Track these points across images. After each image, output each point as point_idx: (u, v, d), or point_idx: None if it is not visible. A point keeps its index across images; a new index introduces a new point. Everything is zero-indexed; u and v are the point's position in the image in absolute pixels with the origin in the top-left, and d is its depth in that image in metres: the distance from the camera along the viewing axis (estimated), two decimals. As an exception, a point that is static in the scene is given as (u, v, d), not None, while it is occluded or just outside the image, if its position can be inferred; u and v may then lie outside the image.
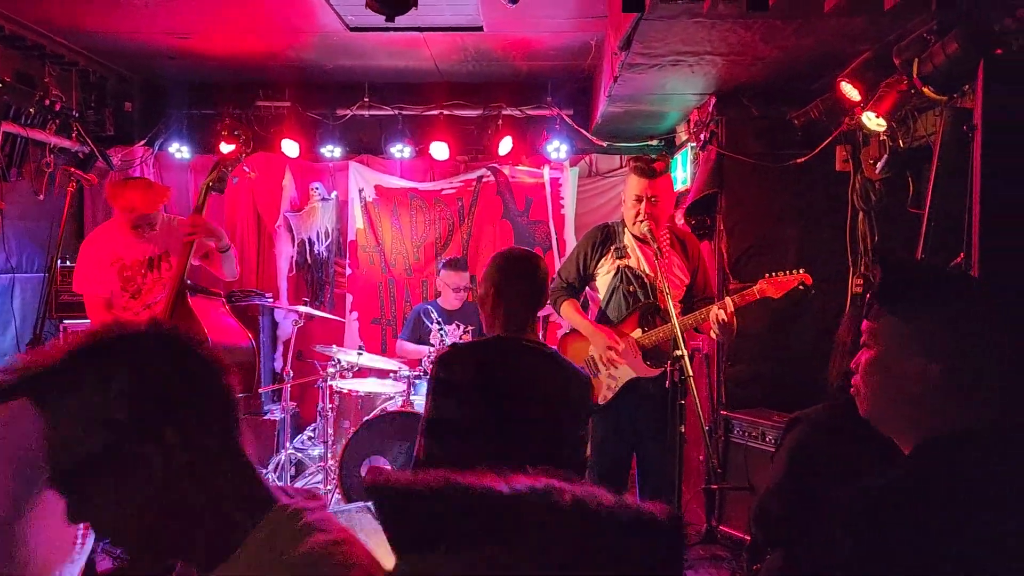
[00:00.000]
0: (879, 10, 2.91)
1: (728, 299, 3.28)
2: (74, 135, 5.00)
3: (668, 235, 3.54)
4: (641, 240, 3.45)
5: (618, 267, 3.49)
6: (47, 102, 4.68)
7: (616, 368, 3.44)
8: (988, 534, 1.18)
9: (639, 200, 3.40)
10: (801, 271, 3.33)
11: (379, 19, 3.04)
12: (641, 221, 3.39)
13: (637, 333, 3.45)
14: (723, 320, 3.23)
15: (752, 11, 2.67)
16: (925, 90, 2.89)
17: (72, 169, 3.99)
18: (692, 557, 4.10)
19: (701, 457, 4.47)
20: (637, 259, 3.48)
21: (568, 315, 3.56)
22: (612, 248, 3.52)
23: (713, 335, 3.37)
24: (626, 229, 3.53)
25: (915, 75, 2.90)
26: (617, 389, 3.45)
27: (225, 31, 4.62)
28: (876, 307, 1.36)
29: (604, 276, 3.53)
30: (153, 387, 1.07)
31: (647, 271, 3.45)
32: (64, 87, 5.01)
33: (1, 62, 4.45)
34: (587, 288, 3.65)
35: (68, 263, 4.69)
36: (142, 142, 5.50)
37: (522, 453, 2.20)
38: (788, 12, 3.06)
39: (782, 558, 2.36)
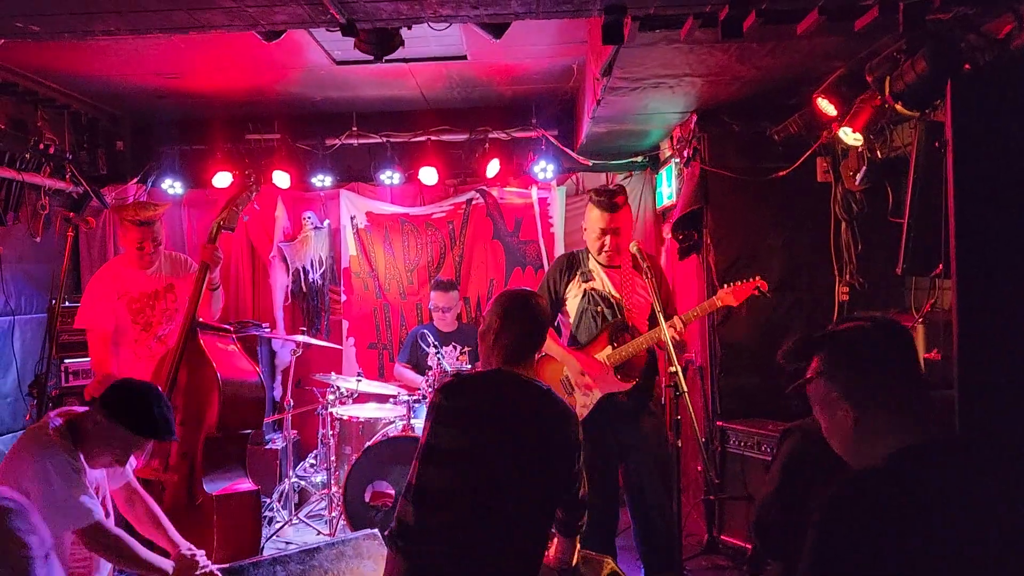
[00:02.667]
0: (850, 31, 3.01)
1: (677, 318, 3.44)
2: (68, 176, 5.07)
3: (629, 258, 3.68)
4: (606, 265, 3.64)
5: (584, 290, 3.65)
6: (41, 146, 4.74)
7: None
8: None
9: (604, 233, 3.59)
10: (757, 277, 3.51)
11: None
12: (607, 252, 3.59)
13: (608, 351, 3.58)
14: (675, 339, 3.34)
15: (727, 38, 2.77)
16: (897, 106, 2.98)
17: (71, 215, 4.05)
18: (694, 567, 4.16)
19: (700, 468, 4.54)
20: (602, 281, 3.65)
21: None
22: (578, 272, 3.69)
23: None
24: (590, 255, 3.69)
25: (887, 92, 3.00)
26: (592, 406, 3.57)
27: (213, 70, 4.70)
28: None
29: (573, 300, 3.69)
30: None
31: (613, 292, 3.62)
32: (57, 129, 5.08)
33: (-4, 110, 4.53)
34: (559, 314, 3.78)
35: (68, 303, 4.73)
36: (135, 180, 5.55)
37: (513, 484, 2.26)
38: (762, 35, 3.15)
39: (782, 570, 2.43)
